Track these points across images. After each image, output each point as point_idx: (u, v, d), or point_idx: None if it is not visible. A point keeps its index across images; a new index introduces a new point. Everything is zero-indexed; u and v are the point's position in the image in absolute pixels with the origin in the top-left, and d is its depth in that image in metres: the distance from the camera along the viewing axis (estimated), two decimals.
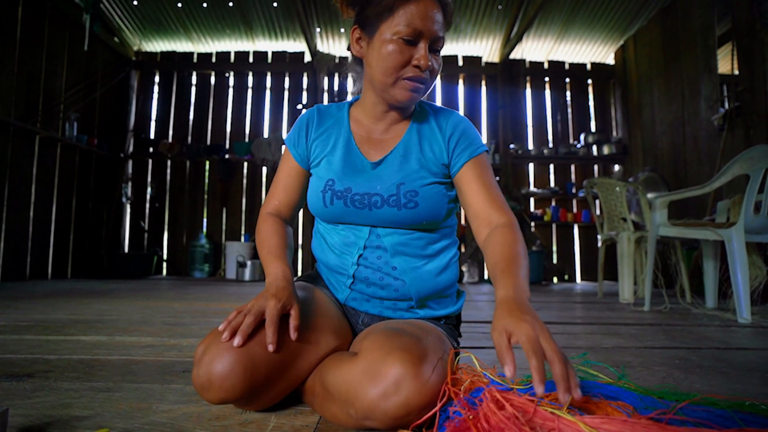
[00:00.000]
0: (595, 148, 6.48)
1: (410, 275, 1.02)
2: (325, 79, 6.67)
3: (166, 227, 6.59)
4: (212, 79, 6.85)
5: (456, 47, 6.66)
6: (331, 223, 1.08)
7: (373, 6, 0.97)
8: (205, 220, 6.59)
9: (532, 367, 0.64)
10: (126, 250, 6.46)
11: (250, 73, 6.82)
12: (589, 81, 6.88)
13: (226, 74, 6.83)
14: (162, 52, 6.83)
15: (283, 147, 1.16)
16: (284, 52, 6.76)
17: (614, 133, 6.72)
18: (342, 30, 6.30)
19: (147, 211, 6.54)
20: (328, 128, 1.10)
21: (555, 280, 6.47)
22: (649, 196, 3.61)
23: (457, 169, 1.04)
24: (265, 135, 6.64)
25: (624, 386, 0.77)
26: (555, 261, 6.54)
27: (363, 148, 1.06)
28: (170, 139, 6.69)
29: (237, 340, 0.81)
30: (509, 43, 6.24)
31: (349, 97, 1.24)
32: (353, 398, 0.75)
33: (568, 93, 6.90)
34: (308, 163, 1.10)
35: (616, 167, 6.53)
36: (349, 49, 1.07)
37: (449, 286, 1.08)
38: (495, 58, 6.80)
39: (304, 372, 0.91)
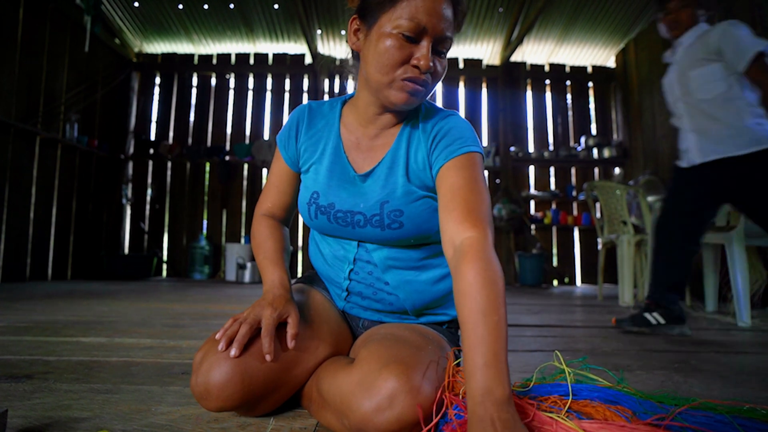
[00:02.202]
0: (595, 151, 6.48)
1: (404, 289, 0.98)
2: (326, 81, 6.69)
3: (166, 229, 6.59)
4: (213, 81, 6.86)
5: (457, 50, 6.66)
6: (321, 233, 1.05)
7: None
8: (205, 221, 6.59)
9: None
10: (126, 251, 6.46)
11: (251, 75, 6.83)
12: (590, 84, 6.88)
13: (227, 76, 6.83)
14: (163, 54, 6.84)
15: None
16: (285, 54, 6.77)
17: (615, 136, 6.72)
18: (343, 32, 6.30)
19: (147, 212, 6.54)
20: (318, 131, 1.02)
21: (555, 283, 6.47)
22: (650, 199, 3.61)
23: (434, 174, 0.91)
24: (266, 137, 6.65)
25: (623, 390, 0.77)
26: (555, 264, 6.54)
27: (351, 156, 0.99)
28: (171, 141, 6.70)
29: (233, 351, 0.80)
30: (510, 46, 6.25)
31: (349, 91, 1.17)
32: (347, 409, 0.73)
33: (568, 96, 6.91)
34: (298, 167, 1.05)
35: (617, 170, 6.53)
36: (347, 41, 0.97)
37: (448, 292, 1.03)
38: (496, 60, 6.81)
39: (303, 378, 0.90)
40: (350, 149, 0.99)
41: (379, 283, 0.99)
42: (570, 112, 6.88)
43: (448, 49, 0.89)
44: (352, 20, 0.93)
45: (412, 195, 0.93)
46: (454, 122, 0.94)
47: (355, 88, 1.04)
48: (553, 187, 6.70)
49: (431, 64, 0.85)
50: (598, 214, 4.38)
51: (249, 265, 5.67)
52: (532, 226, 6.48)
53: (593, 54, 6.68)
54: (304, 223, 6.44)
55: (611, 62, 6.78)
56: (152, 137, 6.74)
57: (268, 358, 0.81)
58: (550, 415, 0.65)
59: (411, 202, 0.92)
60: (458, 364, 0.84)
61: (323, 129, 1.02)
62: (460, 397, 0.74)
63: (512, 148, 6.56)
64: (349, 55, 1.01)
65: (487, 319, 0.68)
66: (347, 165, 0.98)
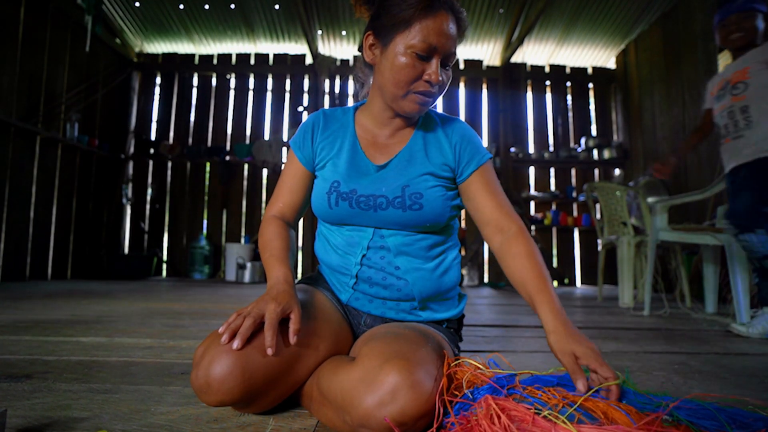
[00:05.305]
0: (595, 152, 6.49)
1: (413, 275, 1.03)
2: (326, 82, 6.68)
3: (166, 229, 6.59)
4: (213, 81, 6.86)
5: (457, 51, 6.65)
6: (335, 224, 1.08)
7: (390, 16, 0.97)
8: (205, 221, 6.60)
9: (600, 377, 0.79)
10: (126, 251, 6.46)
11: (252, 75, 6.83)
12: (590, 85, 6.88)
13: (228, 76, 6.84)
14: (163, 54, 6.84)
15: (284, 150, 1.16)
16: (285, 54, 6.77)
17: (615, 137, 6.72)
18: (344, 32, 6.30)
19: (147, 212, 6.55)
20: (333, 132, 1.10)
21: (555, 284, 6.47)
22: (650, 200, 3.61)
23: (466, 176, 1.06)
24: (266, 137, 6.65)
25: (628, 385, 0.79)
26: (555, 265, 6.54)
27: (368, 152, 1.07)
28: (171, 141, 6.70)
29: (236, 343, 0.81)
30: (510, 47, 6.25)
31: (350, 101, 1.24)
32: (349, 405, 0.75)
33: (569, 97, 6.91)
34: (313, 166, 1.10)
35: (617, 171, 6.53)
36: (360, 50, 1.07)
37: (451, 287, 1.08)
38: (496, 61, 6.81)
39: (303, 376, 0.91)
40: (367, 146, 1.09)
41: (390, 267, 1.03)
42: (570, 113, 6.88)
43: (452, 62, 1.02)
44: (367, 36, 1.03)
45: (429, 182, 1.03)
46: (471, 131, 1.11)
47: (362, 89, 1.15)
48: (553, 188, 6.70)
49: (440, 78, 0.98)
50: (598, 215, 4.38)
51: (249, 265, 5.67)
52: (533, 227, 6.48)
53: (593, 55, 6.68)
54: (304, 227, 6.45)
55: (611, 63, 6.78)
56: (153, 137, 6.74)
57: (269, 351, 0.82)
58: (548, 418, 0.65)
59: (429, 188, 1.02)
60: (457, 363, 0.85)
61: (338, 130, 1.11)
62: (464, 386, 0.75)
63: (512, 149, 6.56)
64: (359, 62, 1.12)
65: (547, 276, 0.95)
66: (365, 158, 1.07)
